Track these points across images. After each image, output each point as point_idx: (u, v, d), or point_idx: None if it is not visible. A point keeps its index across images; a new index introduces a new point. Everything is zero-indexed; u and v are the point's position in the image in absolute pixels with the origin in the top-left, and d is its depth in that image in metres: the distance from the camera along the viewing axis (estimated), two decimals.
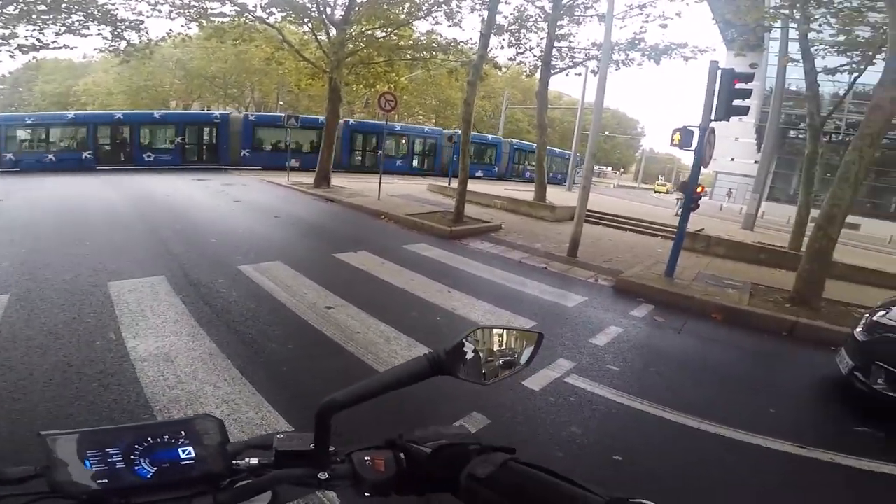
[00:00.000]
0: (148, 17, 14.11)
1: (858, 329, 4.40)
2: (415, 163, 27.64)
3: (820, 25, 11.25)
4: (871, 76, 8.35)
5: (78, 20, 13.03)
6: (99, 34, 13.76)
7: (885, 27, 7.99)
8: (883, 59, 7.18)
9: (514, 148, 33.55)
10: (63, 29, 12.95)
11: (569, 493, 0.56)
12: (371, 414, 2.77)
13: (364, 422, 2.77)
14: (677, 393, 3.90)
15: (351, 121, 25.67)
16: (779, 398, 4.06)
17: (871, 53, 10.90)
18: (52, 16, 12.48)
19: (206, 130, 21.57)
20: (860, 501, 2.77)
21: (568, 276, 7.59)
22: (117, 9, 13.56)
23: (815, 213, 8.00)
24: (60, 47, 13.53)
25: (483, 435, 2.93)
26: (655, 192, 49.27)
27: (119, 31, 13.92)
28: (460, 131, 11.59)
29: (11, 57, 13.24)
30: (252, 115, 24.90)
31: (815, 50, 11.82)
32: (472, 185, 12.52)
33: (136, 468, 0.60)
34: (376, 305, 5.00)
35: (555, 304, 6.04)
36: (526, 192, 17.37)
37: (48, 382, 2.99)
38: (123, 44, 14.30)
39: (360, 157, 24.97)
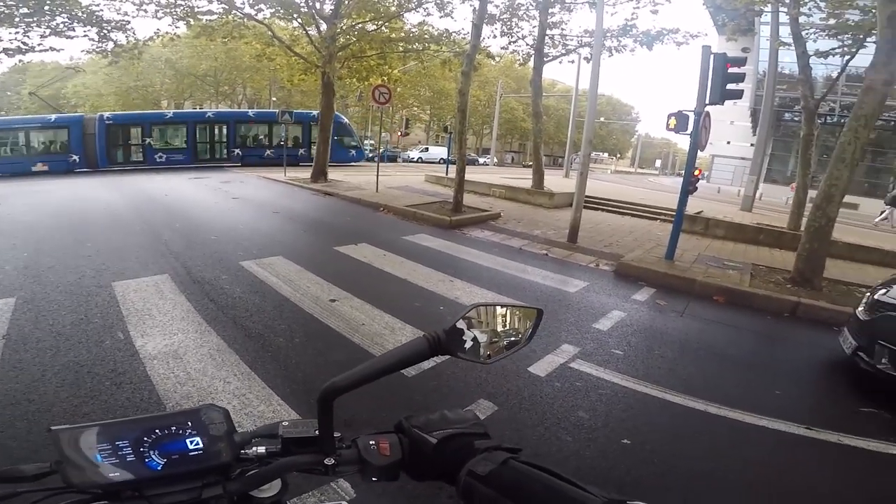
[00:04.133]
0: (134, 17, 14.10)
1: (860, 308, 4.33)
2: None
3: (810, 9, 11.20)
4: (863, 58, 8.31)
5: (62, 22, 12.93)
6: (85, 35, 13.74)
7: (874, 10, 7.97)
8: (874, 42, 7.14)
9: (104, 124, 19.67)
10: (48, 31, 12.84)
11: (567, 494, 0.57)
12: (378, 403, 2.81)
13: (371, 412, 2.81)
14: (682, 376, 3.91)
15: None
16: (783, 380, 4.07)
17: (861, 36, 10.83)
18: (35, 18, 12.35)
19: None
20: (869, 482, 2.78)
21: (569, 262, 7.61)
22: (102, 10, 13.50)
23: (812, 193, 8.00)
24: (46, 49, 13.50)
25: (490, 423, 2.95)
26: None
27: (105, 31, 13.85)
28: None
29: None
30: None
31: (806, 33, 11.66)
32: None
33: (147, 460, 0.60)
34: (380, 297, 5.03)
35: (557, 289, 6.07)
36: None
37: (61, 383, 3.02)
38: (110, 44, 14.25)
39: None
